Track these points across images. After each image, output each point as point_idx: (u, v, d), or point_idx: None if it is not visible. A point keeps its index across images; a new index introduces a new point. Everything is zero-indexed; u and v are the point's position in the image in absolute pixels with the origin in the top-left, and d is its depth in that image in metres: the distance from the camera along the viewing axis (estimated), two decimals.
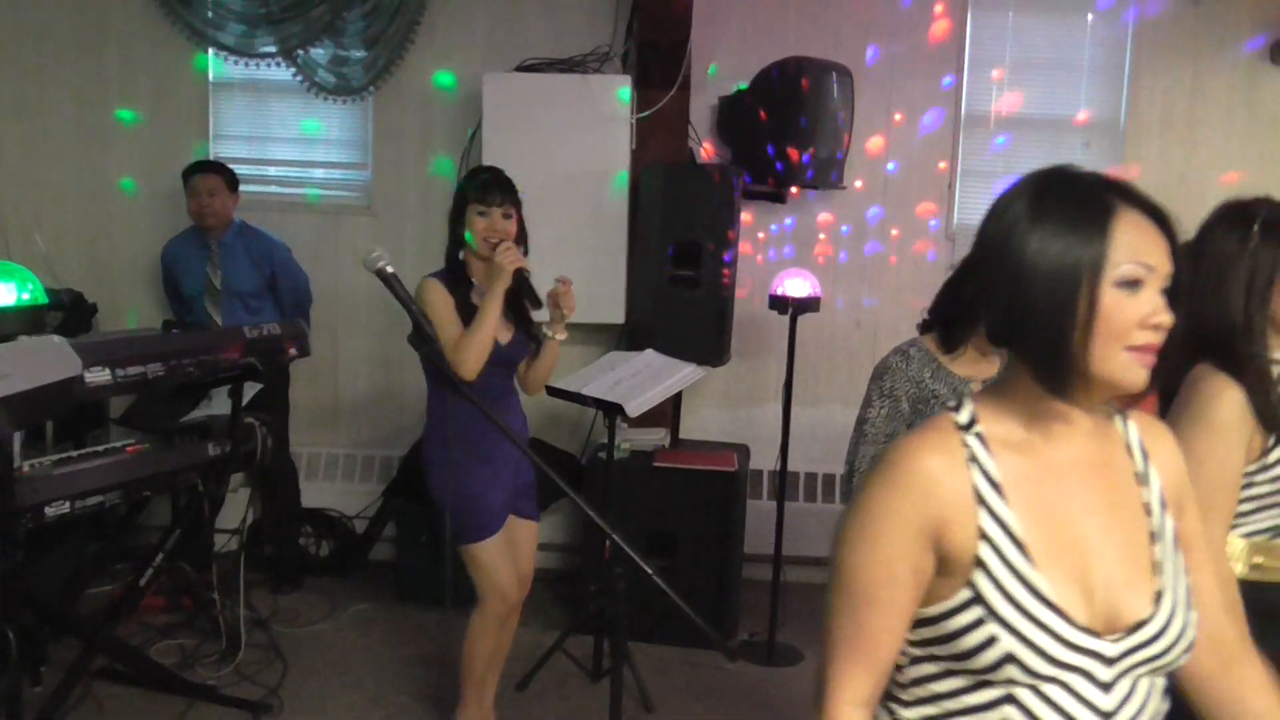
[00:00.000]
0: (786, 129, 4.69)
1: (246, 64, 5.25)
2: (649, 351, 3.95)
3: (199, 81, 5.33)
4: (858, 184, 5.15)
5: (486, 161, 4.82)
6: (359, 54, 5.20)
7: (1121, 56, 5.11)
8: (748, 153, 4.88)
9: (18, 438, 3.87)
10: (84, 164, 5.36)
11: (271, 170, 5.35)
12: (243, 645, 4.12)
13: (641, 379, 3.73)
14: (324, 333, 5.19)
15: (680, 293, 4.48)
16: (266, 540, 5.01)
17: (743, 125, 4.89)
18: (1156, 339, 1.29)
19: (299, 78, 5.23)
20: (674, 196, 4.50)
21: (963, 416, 1.39)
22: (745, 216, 5.05)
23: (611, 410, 3.67)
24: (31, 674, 3.77)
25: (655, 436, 4.66)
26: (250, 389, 4.14)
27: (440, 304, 3.15)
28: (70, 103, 5.33)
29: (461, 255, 3.30)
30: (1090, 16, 5.08)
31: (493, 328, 3.13)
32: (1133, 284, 1.28)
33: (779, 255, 5.21)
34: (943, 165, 5.17)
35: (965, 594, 1.32)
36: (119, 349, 3.22)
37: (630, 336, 4.85)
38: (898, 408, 2.79)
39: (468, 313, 3.18)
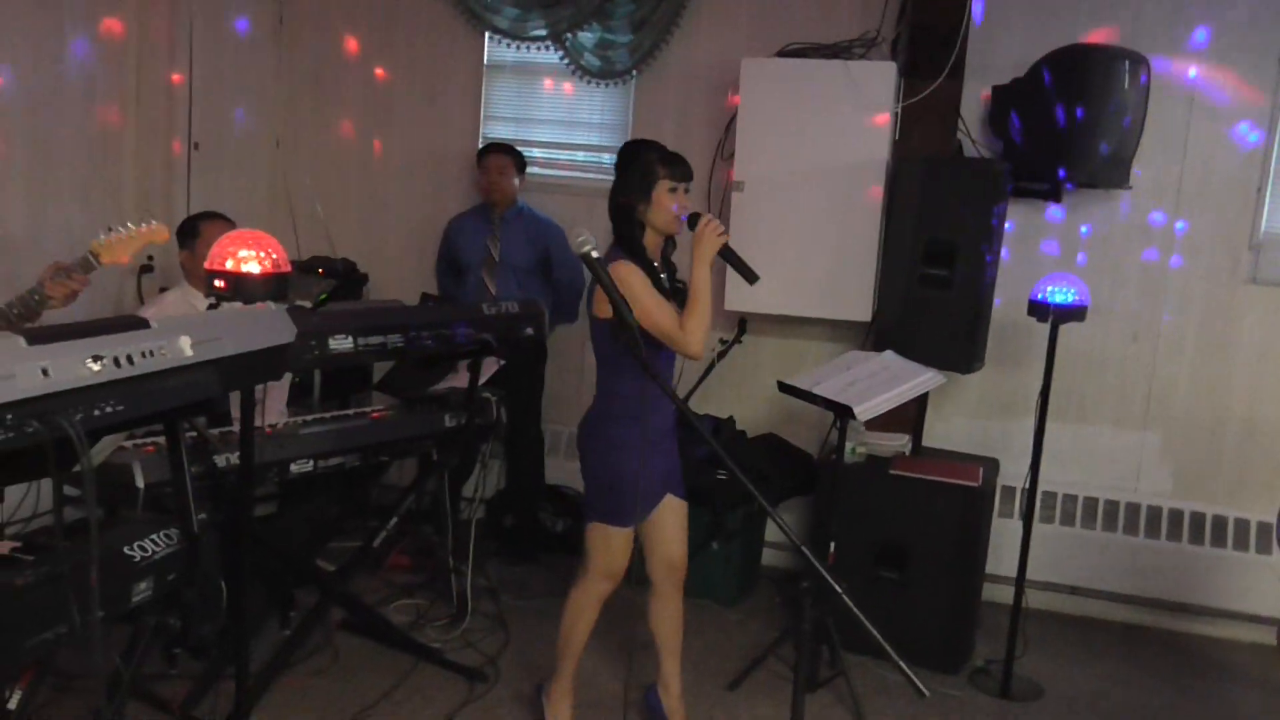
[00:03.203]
0: (1065, 122, 4.31)
1: (517, 47, 5.41)
2: (888, 353, 3.74)
3: (475, 63, 5.53)
4: (1146, 184, 4.66)
5: (741, 149, 4.74)
6: (625, 38, 5.22)
7: None
8: (1021, 146, 4.53)
9: (281, 394, 4.18)
10: (364, 141, 5.70)
11: (535, 152, 5.47)
12: (469, 612, 4.25)
13: (877, 381, 3.53)
14: None
15: (931, 293, 4.22)
16: (508, 512, 5.17)
17: (1017, 117, 4.53)
18: None
19: (566, 61, 5.32)
20: (932, 191, 4.23)
21: None
22: (1013, 215, 4.69)
23: (842, 412, 3.50)
24: (281, 618, 4.05)
25: (896, 443, 4.43)
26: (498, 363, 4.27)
27: (645, 287, 3.07)
28: (356, 81, 5.67)
29: (638, 232, 3.19)
30: None
31: (709, 302, 3.09)
32: None
33: (1055, 258, 4.81)
34: (1250, 166, 4.60)
35: None
36: (362, 319, 3.38)
37: (876, 336, 4.62)
38: None
39: (661, 292, 3.15)
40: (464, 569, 4.29)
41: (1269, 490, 4.65)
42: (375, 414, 3.74)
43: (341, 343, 3.26)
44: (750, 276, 3.09)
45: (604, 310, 3.07)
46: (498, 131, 5.53)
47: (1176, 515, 4.72)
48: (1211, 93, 4.60)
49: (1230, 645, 4.62)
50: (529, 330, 3.87)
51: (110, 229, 2.89)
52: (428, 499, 4.61)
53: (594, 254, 2.57)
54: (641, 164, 3.18)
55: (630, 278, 3.05)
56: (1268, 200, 4.61)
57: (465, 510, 4.75)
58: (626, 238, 3.18)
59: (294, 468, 3.35)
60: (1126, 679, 4.27)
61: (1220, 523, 4.68)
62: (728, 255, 3.08)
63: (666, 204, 3.12)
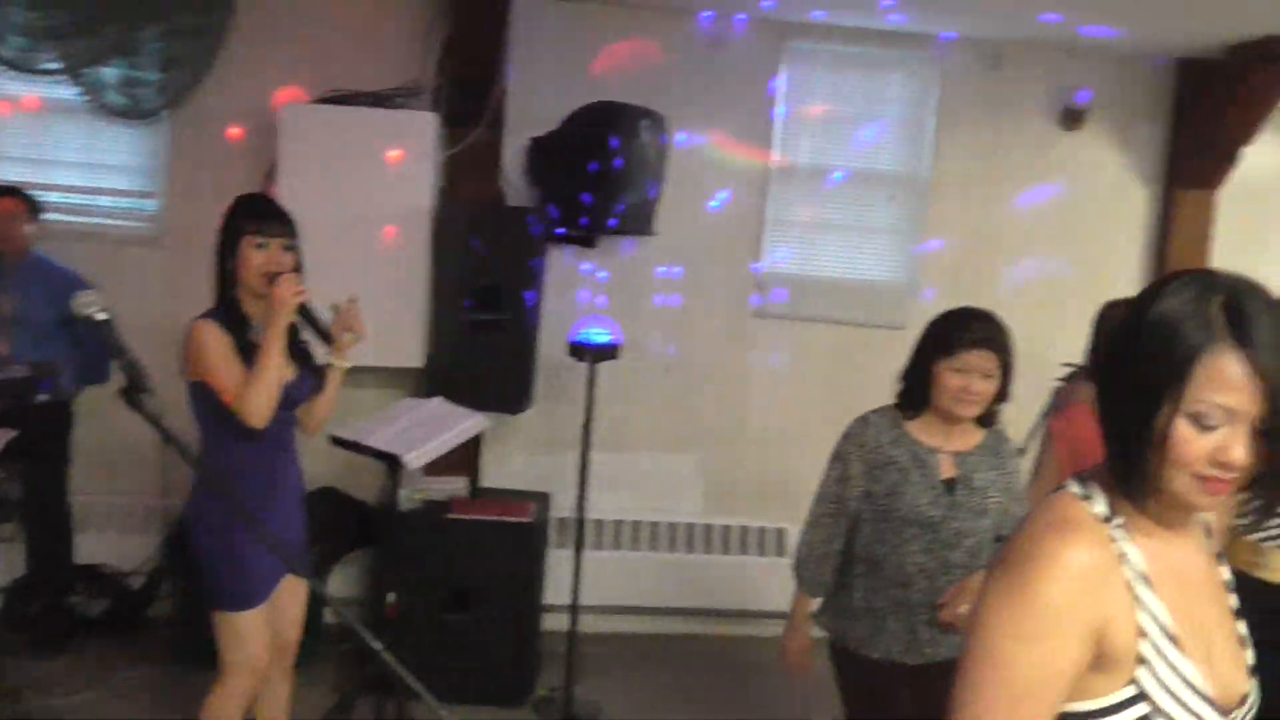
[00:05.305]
0: (595, 173, 4.63)
1: (32, 81, 4.91)
2: (436, 399, 3.80)
3: None
4: (668, 231, 5.10)
5: (284, 196, 4.60)
6: (154, 76, 4.91)
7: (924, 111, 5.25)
8: (557, 196, 4.80)
9: None
10: None
11: (55, 196, 4.97)
12: None
13: (425, 429, 3.57)
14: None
15: (482, 337, 4.36)
16: (33, 598, 4.63)
17: (552, 167, 4.80)
18: (1225, 474, 1.30)
19: (86, 98, 4.91)
20: (476, 238, 4.37)
21: (1099, 508, 1.39)
22: (552, 261, 4.95)
23: (392, 461, 3.50)
24: None
25: (454, 485, 4.50)
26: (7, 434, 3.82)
27: (217, 347, 2.86)
28: None
29: (235, 293, 2.99)
30: (896, 73, 5.22)
31: (278, 368, 2.85)
32: (1204, 422, 1.29)
33: (590, 301, 5.13)
34: (754, 214, 5.20)
35: (1129, 691, 1.34)
36: None
37: (430, 382, 4.67)
38: (846, 472, 2.85)
39: (248, 354, 2.89)
40: None
41: (782, 499, 5.23)
42: None
43: None
44: (327, 338, 3.01)
45: (195, 373, 2.89)
46: (9, 174, 4.96)
47: (707, 529, 5.20)
48: (720, 150, 5.15)
49: (755, 642, 5.04)
50: (44, 395, 3.52)
51: None
52: None
53: (99, 316, 2.36)
54: (227, 220, 2.97)
55: (200, 338, 2.87)
56: (765, 244, 5.24)
57: None
58: (221, 296, 2.98)
59: None
60: (684, 689, 4.59)
61: (744, 532, 5.22)
62: (305, 314, 2.94)
63: (252, 261, 2.91)
